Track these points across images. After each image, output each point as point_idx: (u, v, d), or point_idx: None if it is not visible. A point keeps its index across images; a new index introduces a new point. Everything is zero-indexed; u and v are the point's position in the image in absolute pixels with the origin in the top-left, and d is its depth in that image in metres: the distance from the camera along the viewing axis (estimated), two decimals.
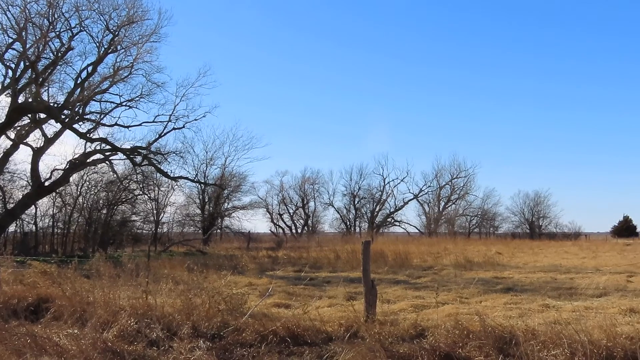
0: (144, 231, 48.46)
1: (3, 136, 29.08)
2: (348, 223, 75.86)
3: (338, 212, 75.98)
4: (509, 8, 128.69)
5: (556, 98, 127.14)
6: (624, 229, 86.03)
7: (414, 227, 77.12)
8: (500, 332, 7.43)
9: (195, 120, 35.36)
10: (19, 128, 30.06)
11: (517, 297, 13.05)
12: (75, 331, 8.18)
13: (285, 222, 73.54)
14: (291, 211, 73.68)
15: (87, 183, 39.25)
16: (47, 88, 29.62)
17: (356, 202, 75.70)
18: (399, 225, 77.22)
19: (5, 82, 27.71)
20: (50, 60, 28.91)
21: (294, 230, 72.74)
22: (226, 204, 54.76)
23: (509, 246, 41.95)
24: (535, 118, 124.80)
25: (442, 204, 78.15)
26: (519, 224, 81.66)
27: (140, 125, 33.87)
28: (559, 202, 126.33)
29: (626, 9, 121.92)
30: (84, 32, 30.11)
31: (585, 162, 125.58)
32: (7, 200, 35.65)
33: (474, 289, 14.25)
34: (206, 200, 52.93)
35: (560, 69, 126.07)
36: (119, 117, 33.09)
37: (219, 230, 56.10)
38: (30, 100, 28.32)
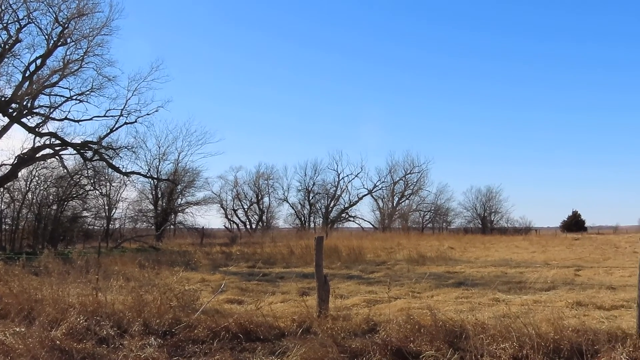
0: (95, 227, 47.69)
1: None
2: (302, 218, 75.87)
3: (292, 208, 75.97)
4: (447, 13, 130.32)
5: (506, 97, 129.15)
6: (573, 223, 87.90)
7: (368, 222, 77.61)
8: (451, 326, 7.52)
9: (148, 114, 34.98)
10: None
11: (468, 292, 13.22)
12: (22, 329, 8.02)
13: (239, 218, 73.16)
14: (245, 207, 73.28)
15: (37, 178, 38.28)
16: None
17: (310, 198, 75.74)
18: (353, 221, 77.56)
19: None
20: None
21: (248, 226, 72.36)
22: (179, 200, 54.20)
23: (462, 241, 42.45)
24: (487, 115, 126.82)
25: (396, 199, 78.67)
26: (471, 219, 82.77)
27: (91, 119, 33.39)
28: (510, 198, 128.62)
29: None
30: (32, 24, 29.46)
31: (535, 158, 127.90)
32: None
33: (426, 284, 14.39)
34: (159, 195, 52.27)
35: (510, 69, 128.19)
36: (69, 111, 32.33)
37: (172, 226, 55.54)
38: None
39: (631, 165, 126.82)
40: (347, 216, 77.63)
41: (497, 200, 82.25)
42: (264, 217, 73.93)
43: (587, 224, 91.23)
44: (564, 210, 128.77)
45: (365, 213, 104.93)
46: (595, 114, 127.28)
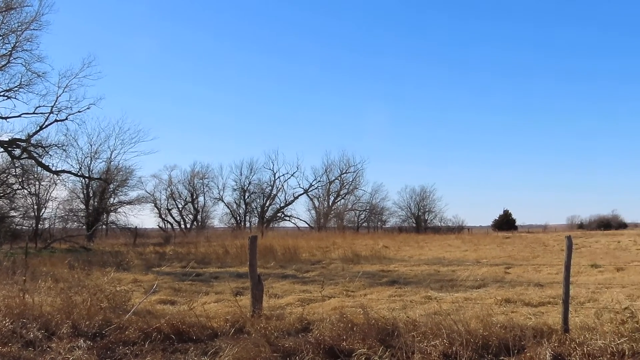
0: (24, 227, 46.17)
1: None
2: (238, 218, 75.58)
3: (228, 207, 75.54)
4: (357, 11, 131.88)
5: (438, 98, 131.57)
6: (504, 222, 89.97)
7: (304, 221, 77.84)
8: (383, 324, 7.61)
9: (79, 112, 34.23)
10: None
11: (401, 290, 13.39)
12: None
13: (173, 217, 72.25)
14: (180, 206, 72.40)
15: None
16: None
17: (246, 197, 75.48)
18: (289, 220, 77.69)
19: None
20: None
21: (182, 226, 71.53)
22: (112, 199, 53.03)
23: (396, 240, 42.93)
24: (420, 116, 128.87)
25: (332, 198, 79.11)
26: (405, 218, 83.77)
27: (19, 116, 32.52)
28: (444, 197, 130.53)
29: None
30: None
31: (468, 159, 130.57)
32: None
33: (360, 283, 14.50)
34: (91, 195, 51.06)
35: (441, 71, 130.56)
36: None
37: (104, 226, 54.35)
38: None
39: (560, 166, 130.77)
40: (283, 215, 77.75)
41: (430, 199, 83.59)
42: (198, 217, 73.27)
43: (517, 223, 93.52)
44: (496, 210, 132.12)
45: (301, 212, 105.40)
46: (526, 116, 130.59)
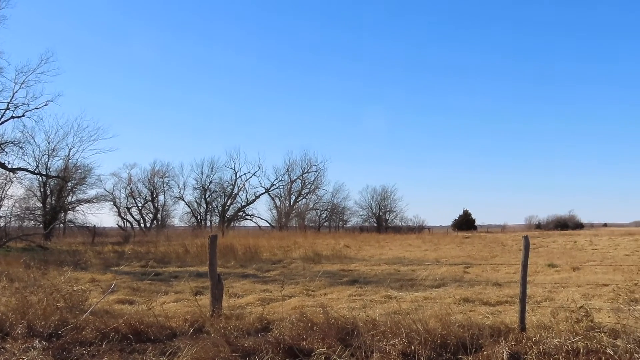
0: None
1: None
2: (199, 217, 75.01)
3: (189, 206, 74.92)
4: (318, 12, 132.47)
5: (399, 99, 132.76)
6: (464, 222, 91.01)
7: (265, 221, 77.60)
8: (343, 324, 7.61)
9: (37, 108, 33.75)
10: None
11: (361, 289, 13.42)
12: None
13: (133, 216, 71.33)
14: (140, 205, 71.50)
15: None
16: None
17: (207, 196, 74.98)
18: (251, 219, 77.36)
19: None
20: None
21: (142, 225, 70.73)
22: (70, 197, 52.10)
23: (357, 239, 43.09)
24: (381, 116, 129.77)
25: (293, 198, 79.07)
26: (366, 217, 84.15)
27: None
28: (405, 197, 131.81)
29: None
30: None
31: (428, 159, 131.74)
32: None
33: (320, 282, 14.51)
34: (48, 193, 50.17)
35: (399, 73, 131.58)
36: None
37: (62, 225, 53.44)
38: None
39: (519, 167, 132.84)
40: (244, 215, 77.41)
41: (391, 199, 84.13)
42: (159, 216, 72.51)
43: (477, 223, 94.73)
44: (456, 210, 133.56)
45: (263, 212, 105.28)
46: (484, 118, 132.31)
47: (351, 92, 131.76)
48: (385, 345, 6.76)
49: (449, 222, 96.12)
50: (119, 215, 69.54)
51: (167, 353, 7.08)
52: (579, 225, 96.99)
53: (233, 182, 75.81)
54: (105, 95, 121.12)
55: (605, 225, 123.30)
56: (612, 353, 6.24)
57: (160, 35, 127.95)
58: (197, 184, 74.77)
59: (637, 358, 6.08)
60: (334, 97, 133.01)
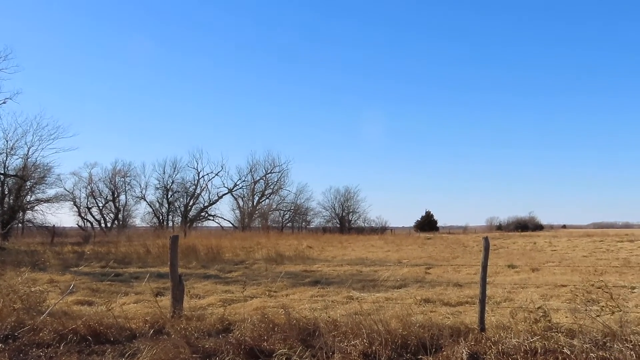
0: None
1: None
2: (161, 217, 74.33)
3: (150, 206, 74.19)
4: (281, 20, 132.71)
5: (360, 103, 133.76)
6: (426, 223, 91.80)
7: (228, 221, 77.26)
8: (304, 324, 7.62)
9: None
10: None
11: (323, 290, 13.44)
12: None
13: (94, 216, 70.44)
14: (100, 205, 70.66)
15: None
16: None
17: (169, 196, 74.36)
18: (213, 220, 76.96)
19: None
20: None
21: (103, 225, 69.90)
22: (29, 197, 51.21)
23: (320, 240, 43.15)
24: (343, 119, 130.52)
25: (256, 198, 78.84)
26: (330, 218, 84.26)
27: None
28: (368, 198, 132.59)
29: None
30: None
31: (391, 160, 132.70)
32: None
33: (283, 283, 14.51)
34: (6, 192, 49.28)
35: (357, 78, 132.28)
36: None
37: (20, 225, 52.51)
38: None
39: (480, 169, 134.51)
40: (206, 215, 76.99)
41: (354, 200, 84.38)
42: (120, 216, 71.69)
43: (439, 224, 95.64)
44: (418, 211, 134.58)
45: (225, 212, 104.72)
46: (447, 122, 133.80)
47: (314, 94, 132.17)
48: (347, 345, 6.78)
49: (411, 223, 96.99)
50: (79, 215, 68.67)
51: (127, 354, 7.00)
52: (538, 227, 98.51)
53: (196, 182, 75.42)
54: (66, 95, 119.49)
55: (564, 226, 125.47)
56: (569, 353, 6.34)
57: (120, 37, 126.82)
58: (159, 183, 74.16)
59: (593, 358, 6.18)
60: (297, 99, 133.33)
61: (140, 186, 73.41)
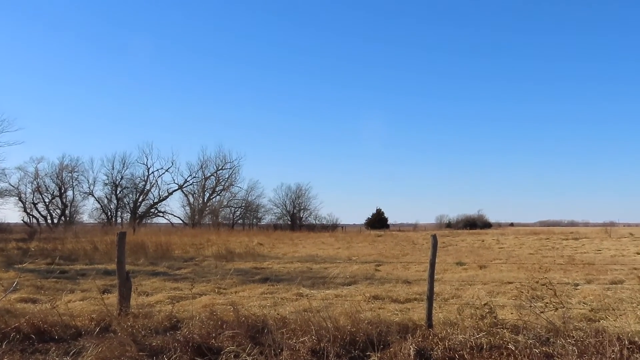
0: None
1: None
2: (109, 213, 73.31)
3: (99, 202, 73.11)
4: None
5: (311, 98, 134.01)
6: (377, 221, 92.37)
7: (178, 218, 76.66)
8: (253, 322, 7.59)
9: None
10: None
11: (273, 287, 13.39)
12: None
13: (40, 212, 69.11)
14: (47, 200, 69.36)
15: None
16: None
17: (118, 192, 73.37)
18: (163, 216, 76.29)
19: None
20: None
21: (49, 221, 68.62)
22: None
23: (271, 237, 43.11)
24: (294, 115, 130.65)
25: (207, 195, 78.39)
26: (281, 215, 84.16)
27: None
28: (319, 195, 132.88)
29: None
30: None
31: (342, 157, 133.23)
32: None
33: (232, 280, 14.43)
34: None
35: (305, 79, 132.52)
36: None
37: None
38: None
39: (431, 168, 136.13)
40: (156, 211, 76.26)
41: (306, 197, 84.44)
42: (67, 212, 70.46)
43: (390, 222, 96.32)
44: (369, 209, 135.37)
45: (176, 208, 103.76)
46: (397, 119, 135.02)
47: (265, 89, 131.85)
48: (295, 342, 6.77)
49: (362, 220, 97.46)
50: (25, 211, 67.31)
51: (71, 353, 6.87)
52: (487, 225, 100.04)
53: (145, 178, 74.64)
54: (9, 89, 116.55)
55: (512, 224, 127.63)
56: (513, 348, 6.44)
57: (62, 35, 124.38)
58: (108, 179, 73.16)
59: (537, 353, 6.30)
60: (248, 93, 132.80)
61: (88, 182, 72.43)
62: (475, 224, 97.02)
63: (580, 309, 9.41)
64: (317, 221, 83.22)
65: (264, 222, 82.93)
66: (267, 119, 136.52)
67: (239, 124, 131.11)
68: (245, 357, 6.38)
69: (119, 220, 72.91)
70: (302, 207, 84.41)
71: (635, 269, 17.22)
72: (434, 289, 8.23)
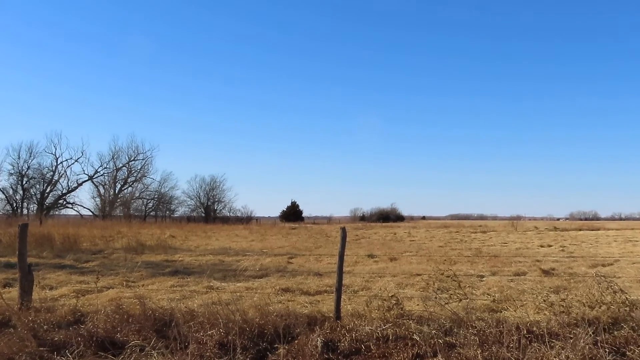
0: None
1: None
2: (15, 204, 70.65)
3: (3, 193, 70.33)
4: None
5: (227, 91, 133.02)
6: (292, 213, 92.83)
7: (88, 209, 74.76)
8: (160, 315, 7.50)
9: None
10: None
11: (183, 280, 13.25)
12: None
13: None
14: None
15: None
16: None
17: (24, 182, 70.79)
18: (72, 208, 74.18)
19: None
20: None
21: None
22: None
23: (184, 229, 42.68)
24: (210, 107, 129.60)
25: (118, 186, 76.83)
26: (194, 207, 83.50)
27: None
28: (234, 187, 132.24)
29: None
30: None
31: (258, 150, 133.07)
32: None
33: (141, 273, 14.21)
34: None
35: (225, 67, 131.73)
36: None
37: None
38: None
39: (345, 161, 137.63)
40: (65, 203, 74.11)
41: (220, 189, 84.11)
42: None
43: (304, 214, 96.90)
44: (284, 201, 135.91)
45: (85, 200, 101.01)
46: (311, 113, 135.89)
47: (180, 80, 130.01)
48: (203, 335, 6.72)
49: (277, 213, 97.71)
50: None
51: None
52: (400, 218, 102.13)
53: (53, 168, 72.38)
54: None
55: (423, 218, 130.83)
56: (418, 339, 6.59)
57: None
58: (14, 169, 70.38)
59: (440, 343, 6.46)
60: (162, 84, 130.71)
61: None
62: (388, 217, 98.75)
63: (484, 300, 9.70)
64: (231, 213, 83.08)
65: (177, 214, 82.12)
66: (182, 112, 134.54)
67: (153, 115, 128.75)
68: (150, 350, 6.28)
69: (25, 211, 70.50)
70: (216, 199, 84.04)
71: (537, 261, 17.94)
72: (344, 281, 8.35)
